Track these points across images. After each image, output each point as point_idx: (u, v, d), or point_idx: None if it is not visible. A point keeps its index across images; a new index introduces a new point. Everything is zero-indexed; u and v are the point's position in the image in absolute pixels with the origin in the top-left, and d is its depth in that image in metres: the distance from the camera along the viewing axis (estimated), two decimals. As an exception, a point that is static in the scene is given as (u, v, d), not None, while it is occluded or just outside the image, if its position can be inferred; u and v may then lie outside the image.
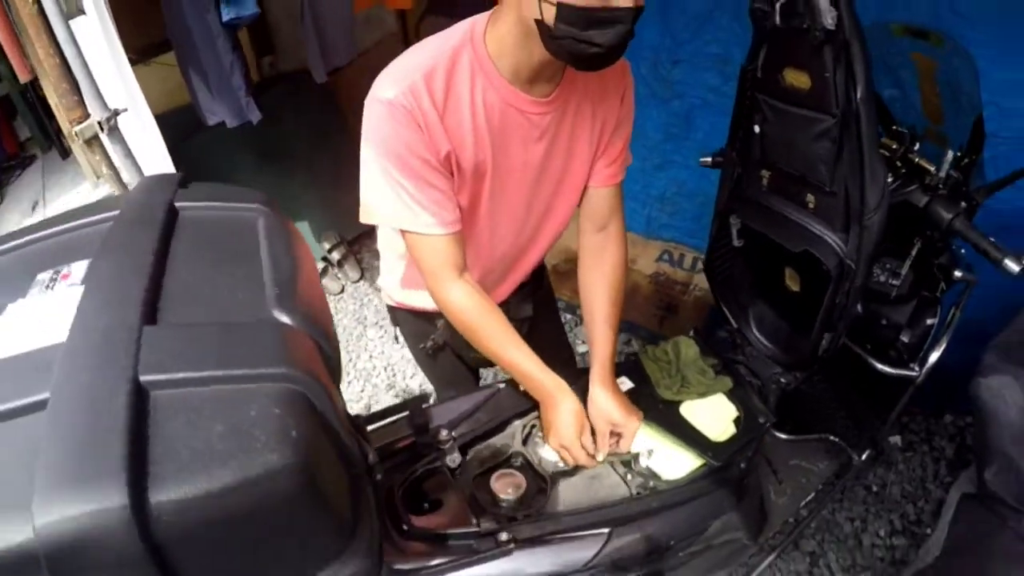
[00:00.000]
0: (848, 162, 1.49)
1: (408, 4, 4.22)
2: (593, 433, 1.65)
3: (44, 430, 0.79)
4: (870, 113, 1.41)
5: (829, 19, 1.34)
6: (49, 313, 0.96)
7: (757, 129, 1.68)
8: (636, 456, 1.66)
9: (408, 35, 4.79)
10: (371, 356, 3.98)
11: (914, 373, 1.79)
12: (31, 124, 4.10)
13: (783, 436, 2.03)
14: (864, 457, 2.06)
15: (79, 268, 1.05)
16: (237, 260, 1.14)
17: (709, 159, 1.96)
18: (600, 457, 1.63)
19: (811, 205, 1.63)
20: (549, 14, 1.28)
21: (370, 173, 1.50)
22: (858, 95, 1.39)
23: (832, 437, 2.08)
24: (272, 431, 0.87)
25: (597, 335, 1.77)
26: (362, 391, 3.80)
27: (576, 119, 1.61)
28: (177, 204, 1.21)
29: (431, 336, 1.97)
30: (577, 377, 1.73)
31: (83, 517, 0.74)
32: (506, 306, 1.94)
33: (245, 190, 1.36)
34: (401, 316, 2.03)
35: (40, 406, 0.82)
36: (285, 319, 1.02)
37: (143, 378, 0.85)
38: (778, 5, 1.44)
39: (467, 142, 1.49)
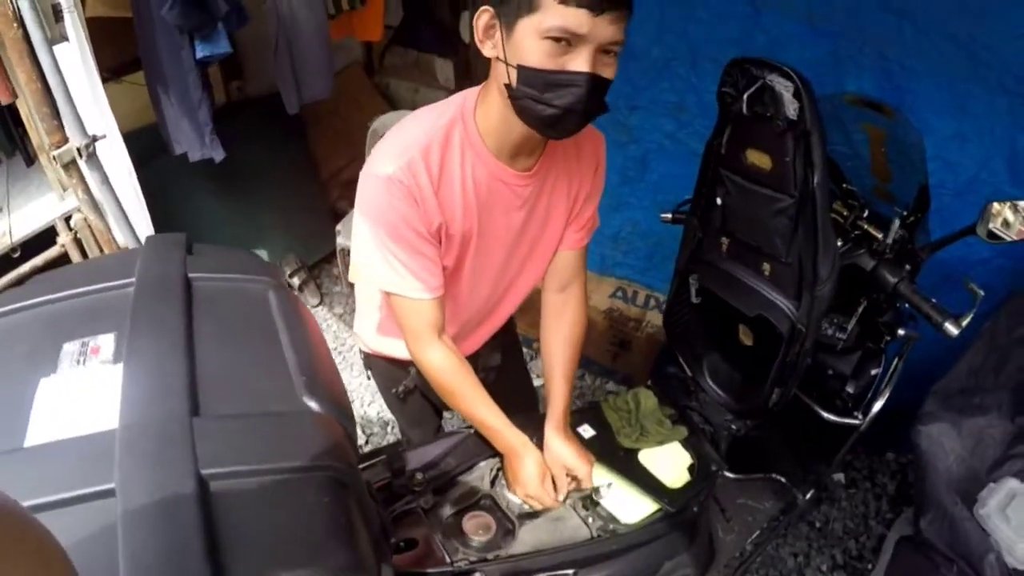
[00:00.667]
0: (803, 237, 1.60)
1: (377, 36, 4.30)
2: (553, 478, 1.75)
3: (120, 521, 0.82)
4: (825, 196, 1.53)
5: (792, 110, 1.45)
6: (90, 393, 0.99)
7: (719, 200, 1.78)
8: (598, 489, 1.76)
9: (372, 63, 4.88)
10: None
11: (858, 421, 1.88)
12: (-4, 126, 3.96)
13: (732, 476, 2.10)
14: (808, 496, 2.14)
15: (107, 342, 1.07)
16: (258, 342, 1.18)
17: (669, 215, 2.07)
18: (561, 498, 1.73)
19: (767, 272, 1.74)
20: (513, 77, 1.35)
21: (364, 240, 1.56)
22: (815, 180, 1.50)
23: (779, 477, 2.16)
24: (326, 519, 0.95)
25: (555, 388, 1.86)
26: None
27: (554, 189, 1.69)
28: (190, 274, 1.24)
29: (403, 382, 2.03)
30: (540, 422, 1.83)
31: None
32: (477, 356, 2.02)
33: (251, 258, 1.40)
34: (375, 362, 2.09)
35: (108, 494, 0.85)
36: (315, 407, 1.07)
37: (203, 472, 0.88)
38: (745, 96, 1.54)
39: (457, 213, 1.56)
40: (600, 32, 1.28)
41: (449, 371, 1.69)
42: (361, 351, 2.13)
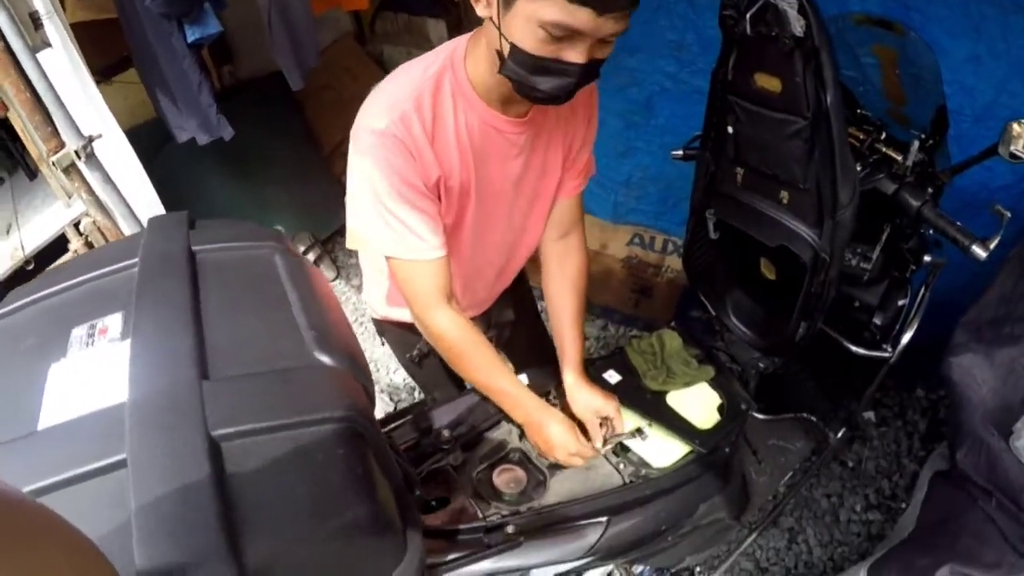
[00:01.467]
0: (820, 161, 1.54)
1: (364, 5, 4.23)
2: (584, 429, 1.71)
3: (132, 490, 0.81)
4: (839, 115, 1.47)
5: (798, 27, 1.39)
6: (99, 371, 0.98)
7: (730, 129, 1.72)
8: (640, 429, 1.73)
9: (363, 32, 4.82)
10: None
11: (887, 354, 1.85)
12: (-7, 150, 4.02)
13: (761, 416, 2.08)
14: (840, 435, 2.11)
15: (114, 321, 1.06)
16: (267, 304, 1.16)
17: (680, 152, 2.02)
18: (599, 444, 1.69)
19: (785, 201, 1.68)
20: (505, 48, 1.32)
21: (358, 201, 1.53)
22: (828, 99, 1.44)
23: (809, 416, 2.12)
24: (342, 472, 0.93)
25: (567, 337, 1.84)
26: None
27: (549, 137, 1.66)
28: (193, 247, 1.22)
29: (416, 345, 2.00)
30: (559, 374, 1.82)
31: (184, 571, 0.78)
32: (488, 313, 2.01)
33: (254, 227, 1.36)
34: (387, 328, 2.06)
35: (119, 465, 0.84)
36: (327, 360, 1.05)
37: (214, 433, 0.87)
38: (748, 16, 1.49)
39: (454, 164, 1.53)
40: (602, 28, 1.25)
41: (458, 337, 1.64)
42: (373, 319, 2.10)
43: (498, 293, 2.00)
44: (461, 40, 1.53)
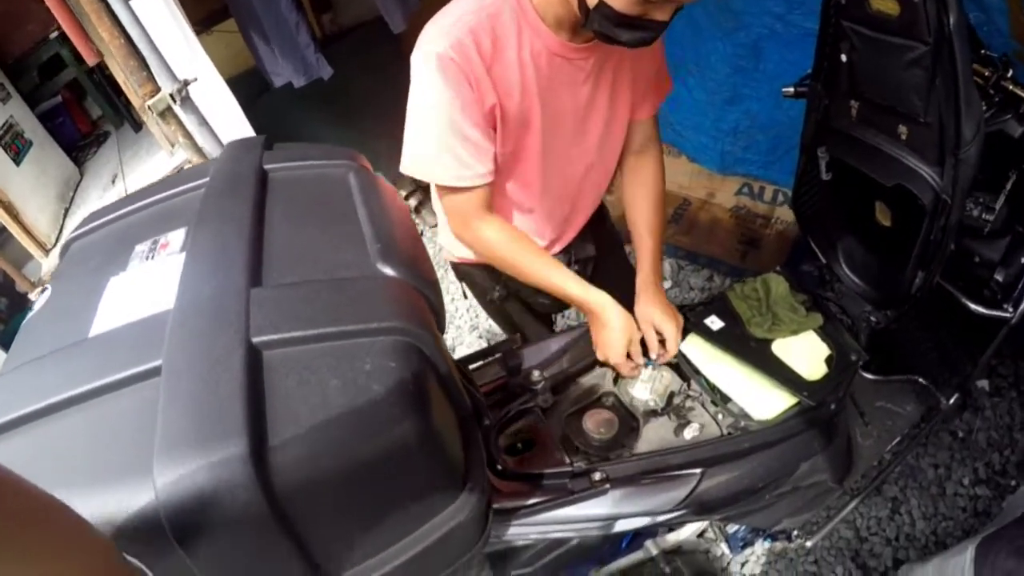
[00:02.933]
0: (942, 92, 1.42)
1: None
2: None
3: (162, 395, 0.80)
4: (963, 41, 1.35)
5: (915, -58, 1.29)
6: (152, 282, 0.97)
7: (844, 58, 1.61)
8: (721, 396, 1.66)
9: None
10: (452, 299, 3.97)
11: (1008, 314, 1.71)
12: (101, 103, 4.19)
13: (870, 377, 1.97)
14: (952, 401, 1.98)
15: (176, 237, 1.05)
16: (334, 218, 1.14)
17: (791, 89, 1.89)
18: (641, 361, 1.67)
19: (903, 136, 1.57)
20: (591, 2, 1.33)
21: (414, 125, 1.55)
22: (951, 22, 1.32)
23: (920, 379, 2.00)
24: (389, 384, 0.88)
25: (641, 243, 1.87)
26: (446, 333, 3.81)
27: (618, 61, 1.65)
28: (266, 166, 1.21)
29: (496, 287, 2.01)
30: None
31: (205, 474, 0.75)
32: (569, 248, 1.98)
33: (331, 147, 1.36)
34: (464, 271, 2.07)
35: (154, 373, 0.83)
36: (391, 272, 1.02)
37: (255, 339, 0.85)
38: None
39: (514, 92, 1.52)
40: None
41: (507, 240, 1.66)
42: (451, 262, 2.11)
43: (579, 226, 1.98)
44: None
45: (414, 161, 1.60)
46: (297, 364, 0.85)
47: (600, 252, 2.10)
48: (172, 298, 0.91)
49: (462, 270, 2.07)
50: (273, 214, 1.09)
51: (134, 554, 0.76)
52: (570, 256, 1.99)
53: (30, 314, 1.06)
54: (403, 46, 4.46)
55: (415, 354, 0.93)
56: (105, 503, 0.76)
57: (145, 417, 0.79)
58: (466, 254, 1.95)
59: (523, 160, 1.66)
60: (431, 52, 1.43)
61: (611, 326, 1.64)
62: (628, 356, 1.67)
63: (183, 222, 1.08)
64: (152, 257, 1.02)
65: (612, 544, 1.70)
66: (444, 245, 2.04)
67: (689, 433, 1.58)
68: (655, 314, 1.72)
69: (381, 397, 0.86)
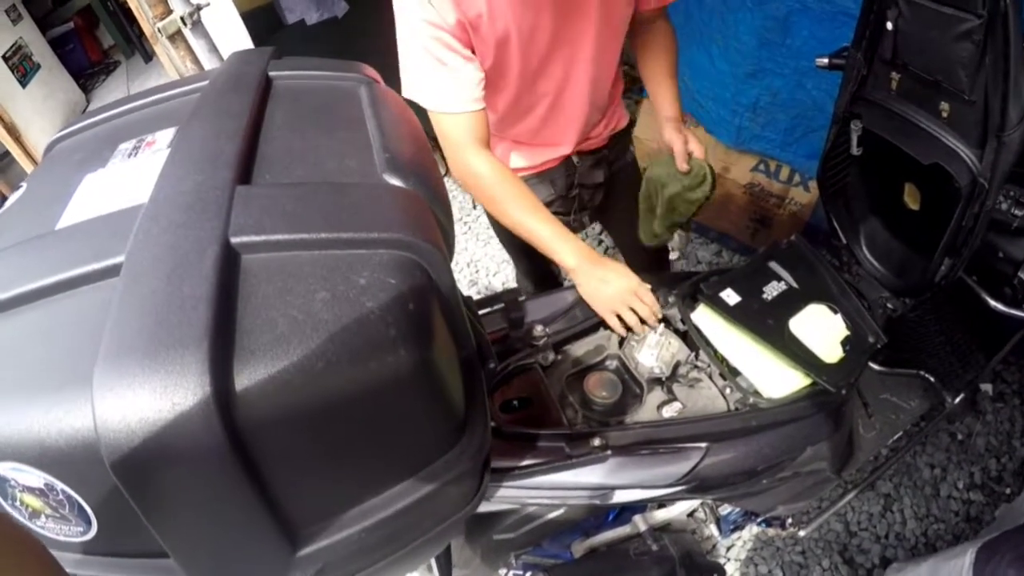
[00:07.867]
0: (991, 69, 1.35)
1: None
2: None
3: (117, 295, 0.69)
4: (1018, 17, 1.28)
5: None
6: (131, 178, 0.88)
7: (890, 26, 1.53)
8: (731, 369, 1.59)
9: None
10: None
11: (1027, 316, 1.67)
12: (113, 32, 4.15)
13: (876, 368, 1.93)
14: (958, 400, 1.94)
15: (165, 136, 0.96)
16: (340, 126, 1.04)
17: (825, 60, 1.82)
18: (630, 324, 1.60)
19: (945, 114, 1.50)
20: None
21: (405, 49, 1.54)
22: (1007, -5, 1.25)
23: (928, 375, 1.95)
24: (386, 302, 0.77)
25: (661, 88, 1.88)
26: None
27: None
28: (271, 73, 1.13)
29: None
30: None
31: (151, 396, 0.64)
32: (575, 171, 1.95)
33: (345, 61, 1.27)
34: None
35: (114, 271, 0.73)
36: (398, 182, 0.92)
37: (234, 240, 0.75)
38: None
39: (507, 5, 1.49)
40: None
41: (495, 177, 1.60)
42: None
43: (578, 130, 1.91)
44: None
45: (407, 87, 1.59)
46: (281, 272, 0.75)
47: (613, 182, 2.08)
48: (147, 192, 0.81)
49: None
50: (273, 118, 1.00)
51: (71, 487, 0.69)
52: (573, 178, 1.96)
53: None
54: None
55: (420, 272, 0.83)
56: (36, 420, 0.66)
57: (99, 321, 0.68)
58: None
59: (514, 73, 1.66)
60: None
61: (613, 268, 1.61)
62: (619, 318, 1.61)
63: (174, 122, 0.99)
64: (135, 155, 0.94)
65: (598, 516, 1.64)
66: None
67: (667, 412, 1.50)
68: (678, 141, 1.75)
69: (376, 316, 0.75)
